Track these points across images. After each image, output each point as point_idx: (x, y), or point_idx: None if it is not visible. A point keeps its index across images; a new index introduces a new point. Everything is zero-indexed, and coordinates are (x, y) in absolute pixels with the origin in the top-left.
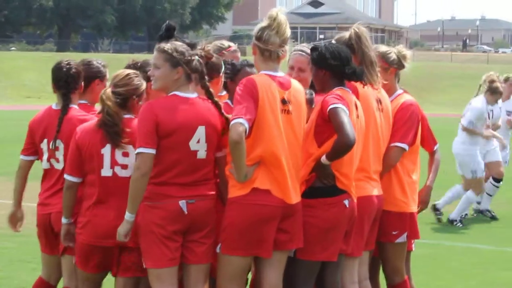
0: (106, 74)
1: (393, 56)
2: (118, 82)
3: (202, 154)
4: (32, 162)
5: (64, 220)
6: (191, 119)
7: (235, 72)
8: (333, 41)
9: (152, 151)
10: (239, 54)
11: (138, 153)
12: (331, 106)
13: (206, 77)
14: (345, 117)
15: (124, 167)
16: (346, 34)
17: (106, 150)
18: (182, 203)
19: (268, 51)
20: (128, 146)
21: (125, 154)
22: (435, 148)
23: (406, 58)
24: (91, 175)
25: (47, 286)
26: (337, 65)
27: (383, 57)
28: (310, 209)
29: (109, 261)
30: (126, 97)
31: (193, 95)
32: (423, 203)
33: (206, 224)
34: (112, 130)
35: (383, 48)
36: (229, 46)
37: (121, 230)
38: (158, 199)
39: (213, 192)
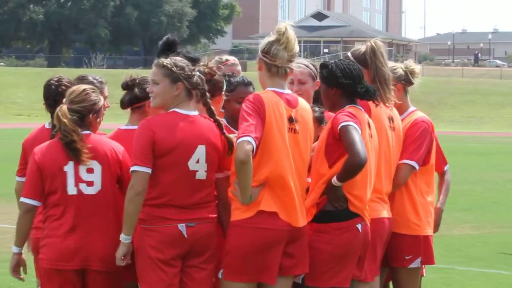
0: (103, 90)
1: (399, 71)
2: (74, 98)
3: (201, 174)
4: None
5: (15, 249)
6: (191, 137)
7: (229, 91)
8: (349, 54)
9: (147, 170)
10: (239, 67)
11: (132, 172)
12: (342, 124)
13: (208, 94)
14: (356, 135)
15: (90, 184)
16: (362, 48)
17: (69, 168)
18: (182, 226)
19: (276, 67)
20: (92, 162)
21: (90, 171)
22: (446, 168)
23: (414, 74)
24: (54, 196)
25: None
26: (349, 83)
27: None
28: (321, 234)
29: (75, 286)
30: (83, 114)
31: (193, 113)
32: (434, 226)
33: (207, 248)
34: (71, 147)
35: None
36: (226, 60)
37: (117, 254)
38: (155, 222)
39: (214, 215)
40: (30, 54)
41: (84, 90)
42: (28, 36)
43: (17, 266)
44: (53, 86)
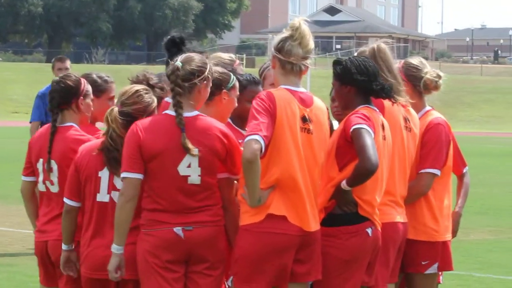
0: (110, 90)
1: (419, 75)
2: (126, 100)
3: (195, 179)
4: (33, 183)
5: (63, 247)
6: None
7: (239, 91)
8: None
9: (137, 176)
10: (241, 66)
11: (122, 178)
12: (354, 127)
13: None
14: (368, 140)
15: None
16: (366, 51)
17: (104, 173)
18: (178, 229)
19: (290, 64)
20: None
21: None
22: (464, 170)
23: (428, 87)
24: (88, 200)
25: None
26: (364, 80)
27: (405, 68)
28: (330, 238)
29: None
30: (134, 116)
31: (189, 114)
32: (452, 232)
33: (210, 253)
34: (111, 156)
35: (413, 60)
36: (233, 60)
37: (109, 266)
38: (152, 226)
39: (217, 218)
40: (28, 49)
41: (136, 91)
42: (26, 30)
43: (68, 263)
44: (54, 83)
